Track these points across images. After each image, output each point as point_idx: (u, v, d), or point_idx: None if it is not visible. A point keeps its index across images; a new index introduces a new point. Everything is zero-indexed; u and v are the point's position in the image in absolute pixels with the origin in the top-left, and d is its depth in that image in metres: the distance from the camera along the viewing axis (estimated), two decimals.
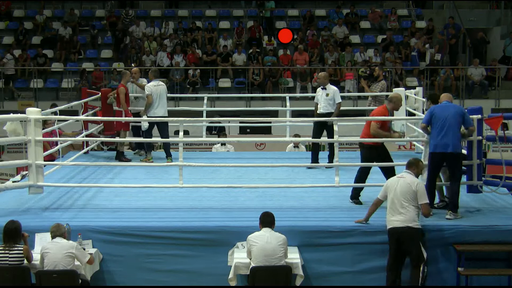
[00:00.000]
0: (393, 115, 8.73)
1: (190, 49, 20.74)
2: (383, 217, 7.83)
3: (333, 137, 10.06)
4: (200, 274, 7.48)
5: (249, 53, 20.89)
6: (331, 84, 10.98)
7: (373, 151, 8.52)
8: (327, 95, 10.60)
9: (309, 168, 10.41)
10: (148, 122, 10.88)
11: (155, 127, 11.14)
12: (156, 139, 11.48)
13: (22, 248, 6.85)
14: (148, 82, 11.38)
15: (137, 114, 11.45)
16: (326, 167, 10.29)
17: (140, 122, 11.33)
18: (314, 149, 10.89)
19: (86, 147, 11.49)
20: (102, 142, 12.39)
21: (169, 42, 21.22)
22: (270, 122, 12.16)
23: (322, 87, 10.76)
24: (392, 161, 8.56)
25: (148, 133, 11.14)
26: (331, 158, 10.29)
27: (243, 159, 10.11)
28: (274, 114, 17.13)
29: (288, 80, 19.99)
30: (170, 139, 11.30)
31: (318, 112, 10.76)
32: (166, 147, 11.22)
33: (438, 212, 8.05)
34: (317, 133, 10.70)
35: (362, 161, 8.66)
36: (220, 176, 9.95)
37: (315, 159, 10.70)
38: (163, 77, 20.21)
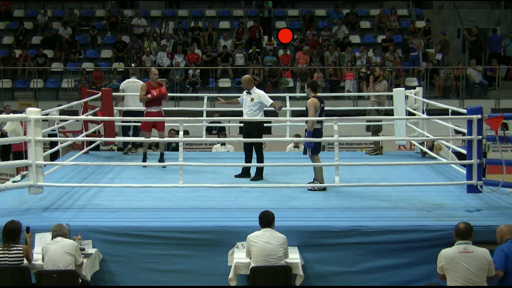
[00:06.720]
0: None
1: (190, 49, 20.73)
2: (383, 217, 7.85)
3: (261, 143, 9.82)
4: (200, 274, 7.46)
5: (249, 53, 20.88)
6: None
7: None
8: (251, 100, 9.86)
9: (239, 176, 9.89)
10: None
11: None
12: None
13: (21, 248, 6.85)
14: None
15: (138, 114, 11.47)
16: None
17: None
18: (247, 152, 10.00)
19: (86, 147, 11.49)
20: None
21: (168, 41, 21.21)
22: (270, 122, 12.12)
23: (246, 91, 9.99)
24: None
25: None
26: (259, 162, 9.78)
27: (243, 159, 10.08)
28: (274, 114, 17.11)
29: (288, 80, 19.99)
30: (170, 139, 11.32)
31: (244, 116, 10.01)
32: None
33: (436, 212, 8.06)
34: (245, 136, 10.02)
35: None
36: (220, 176, 9.95)
37: (248, 162, 9.93)
38: (163, 77, 20.25)
